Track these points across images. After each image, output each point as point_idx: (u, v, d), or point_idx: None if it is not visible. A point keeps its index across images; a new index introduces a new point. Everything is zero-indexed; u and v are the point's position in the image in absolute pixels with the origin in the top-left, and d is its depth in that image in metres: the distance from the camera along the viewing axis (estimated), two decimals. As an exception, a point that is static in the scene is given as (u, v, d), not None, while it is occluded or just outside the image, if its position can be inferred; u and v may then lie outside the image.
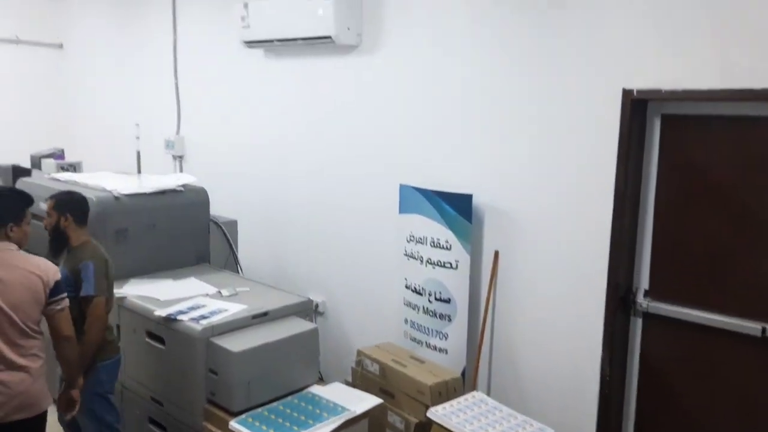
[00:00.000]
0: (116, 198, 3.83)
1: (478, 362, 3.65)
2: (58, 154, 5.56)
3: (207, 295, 3.60)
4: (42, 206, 3.34)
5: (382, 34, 4.02)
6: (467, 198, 3.55)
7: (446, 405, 3.09)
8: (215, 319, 3.24)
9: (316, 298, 4.50)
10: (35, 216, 3.09)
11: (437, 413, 3.02)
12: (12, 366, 2.70)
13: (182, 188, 4.16)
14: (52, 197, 3.29)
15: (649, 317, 3.25)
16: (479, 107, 3.60)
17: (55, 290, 2.79)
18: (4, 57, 6.59)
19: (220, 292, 3.65)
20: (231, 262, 4.51)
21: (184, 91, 5.56)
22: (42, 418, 2.85)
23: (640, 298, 3.25)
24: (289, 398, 3.21)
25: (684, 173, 3.08)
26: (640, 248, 3.24)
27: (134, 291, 3.62)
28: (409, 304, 3.88)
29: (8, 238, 2.80)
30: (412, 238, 3.83)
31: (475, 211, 3.60)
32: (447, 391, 3.26)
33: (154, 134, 5.55)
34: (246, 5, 4.44)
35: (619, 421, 3.37)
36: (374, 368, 3.52)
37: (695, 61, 2.85)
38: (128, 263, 3.81)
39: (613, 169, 3.11)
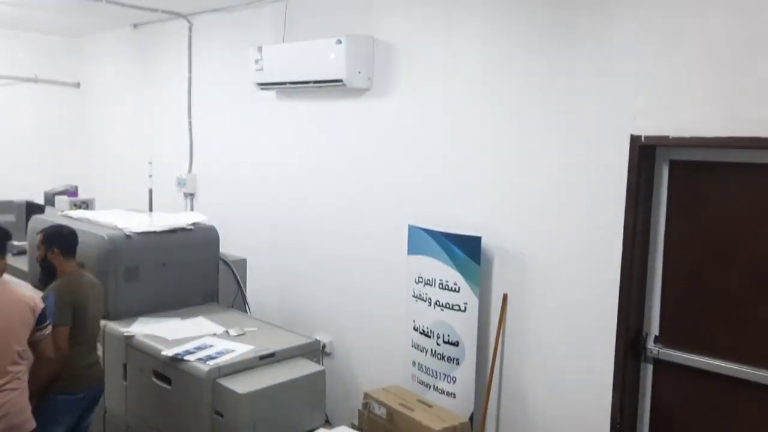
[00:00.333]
0: (127, 236, 3.86)
1: (486, 406, 3.60)
2: (72, 191, 5.62)
3: (215, 334, 3.60)
4: None
5: (393, 78, 4.09)
6: (476, 240, 3.55)
7: (454, 451, 3.06)
8: (222, 360, 3.23)
9: (324, 338, 4.49)
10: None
11: (445, 459, 2.98)
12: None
13: (192, 227, 4.18)
14: (41, 231, 3.42)
15: (659, 363, 3.22)
16: (489, 150, 3.64)
17: (42, 318, 3.00)
18: (22, 95, 6.76)
19: (227, 331, 3.64)
20: (239, 301, 4.51)
21: (197, 130, 5.66)
22: None
23: (651, 344, 3.22)
24: (295, 441, 3.18)
25: (693, 218, 3.08)
26: (650, 293, 3.22)
27: (142, 330, 3.63)
28: (417, 346, 3.86)
29: None
30: (420, 280, 3.83)
31: (484, 253, 3.60)
32: (455, 437, 3.21)
33: (166, 172, 5.64)
34: (260, 48, 4.55)
35: (630, 468, 3.31)
36: (381, 411, 3.48)
37: (703, 109, 2.87)
38: (138, 301, 3.83)
39: (623, 213, 3.11)
